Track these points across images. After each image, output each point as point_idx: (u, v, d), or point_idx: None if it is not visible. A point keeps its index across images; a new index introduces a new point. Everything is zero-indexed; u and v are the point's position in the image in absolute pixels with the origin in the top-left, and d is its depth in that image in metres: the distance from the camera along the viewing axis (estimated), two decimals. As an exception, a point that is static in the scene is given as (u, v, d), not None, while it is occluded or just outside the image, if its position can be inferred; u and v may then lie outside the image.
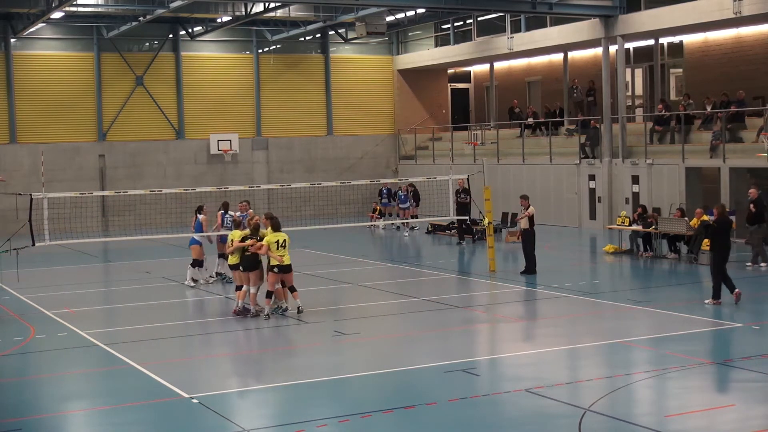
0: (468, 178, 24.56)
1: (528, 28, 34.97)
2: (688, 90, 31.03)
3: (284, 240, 16.72)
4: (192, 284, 20.65)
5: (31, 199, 20.27)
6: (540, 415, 11.02)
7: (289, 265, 16.76)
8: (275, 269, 16.61)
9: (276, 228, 16.86)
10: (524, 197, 22.74)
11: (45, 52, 36.26)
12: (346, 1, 31.71)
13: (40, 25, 34.02)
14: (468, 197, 29.40)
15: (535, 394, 11.67)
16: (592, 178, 31.76)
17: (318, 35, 40.20)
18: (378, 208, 34.93)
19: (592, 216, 31.77)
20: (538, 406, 11.31)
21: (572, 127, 34.07)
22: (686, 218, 23.47)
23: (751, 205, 22.06)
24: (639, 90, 34.54)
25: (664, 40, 32.65)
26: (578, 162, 32.23)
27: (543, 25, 34.44)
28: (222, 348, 15.17)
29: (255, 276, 16.94)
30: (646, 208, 25.45)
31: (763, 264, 21.63)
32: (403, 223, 32.54)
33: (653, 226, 24.03)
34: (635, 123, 32.35)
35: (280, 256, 16.51)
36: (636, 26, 29.98)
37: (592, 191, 31.76)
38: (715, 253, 17.66)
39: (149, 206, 31.28)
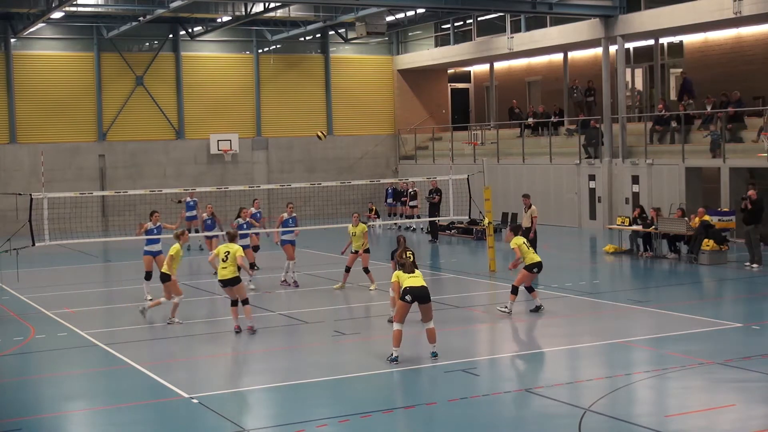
0: (468, 178, 24.55)
1: (528, 28, 34.97)
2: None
3: (226, 252, 15.71)
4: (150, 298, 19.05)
5: (31, 199, 20.26)
6: (540, 415, 11.02)
7: (235, 278, 15.67)
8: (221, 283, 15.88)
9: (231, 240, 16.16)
10: (526, 196, 23.30)
11: (45, 52, 36.27)
12: (346, 1, 31.71)
13: (40, 25, 34.03)
14: (438, 197, 29.70)
15: (535, 394, 11.67)
16: (592, 178, 31.77)
17: (318, 35, 40.20)
18: (374, 208, 34.95)
19: (592, 216, 31.77)
20: (538, 406, 11.31)
21: (572, 127, 34.07)
22: (686, 218, 23.48)
23: (746, 203, 22.00)
24: (639, 86, 34.53)
25: (664, 40, 32.65)
26: (578, 162, 32.23)
27: (543, 25, 34.44)
28: (222, 348, 15.17)
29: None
30: (644, 209, 25.45)
31: (755, 265, 21.62)
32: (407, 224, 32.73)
33: (653, 226, 24.04)
34: (635, 123, 32.34)
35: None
36: (636, 26, 29.98)
37: (592, 191, 31.77)
38: None
39: (149, 206, 31.19)
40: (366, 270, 19.84)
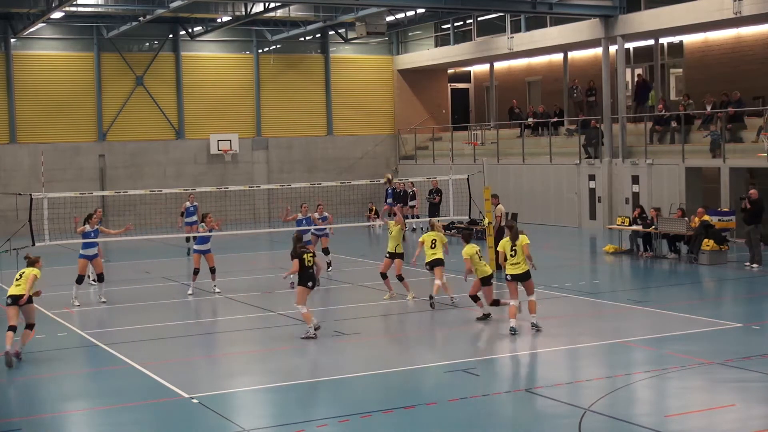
0: (468, 178, 24.53)
1: (528, 28, 34.97)
2: (688, 90, 31.04)
3: (21, 272, 14.43)
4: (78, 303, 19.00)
5: (31, 199, 20.27)
6: (540, 415, 11.02)
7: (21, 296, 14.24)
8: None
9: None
10: (494, 196, 22.85)
11: (45, 52, 36.27)
12: (346, 1, 31.72)
13: (40, 25, 34.03)
14: (438, 197, 29.73)
15: (535, 394, 11.67)
16: (592, 178, 31.76)
17: (318, 35, 40.21)
18: (374, 208, 34.96)
19: (592, 216, 31.76)
20: (538, 406, 11.31)
21: (572, 127, 34.07)
22: (686, 218, 23.47)
23: (745, 203, 22.02)
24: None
25: (664, 40, 32.65)
26: (578, 162, 32.23)
27: (543, 25, 34.45)
28: (222, 348, 15.16)
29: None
30: (644, 209, 25.45)
31: (755, 265, 21.60)
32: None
33: (653, 226, 24.03)
34: (635, 123, 32.32)
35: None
36: (636, 26, 29.99)
37: (592, 191, 31.76)
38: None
39: (149, 206, 31.29)
40: (400, 278, 18.47)
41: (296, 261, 14.99)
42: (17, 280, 14.64)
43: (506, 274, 15.26)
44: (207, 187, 31.73)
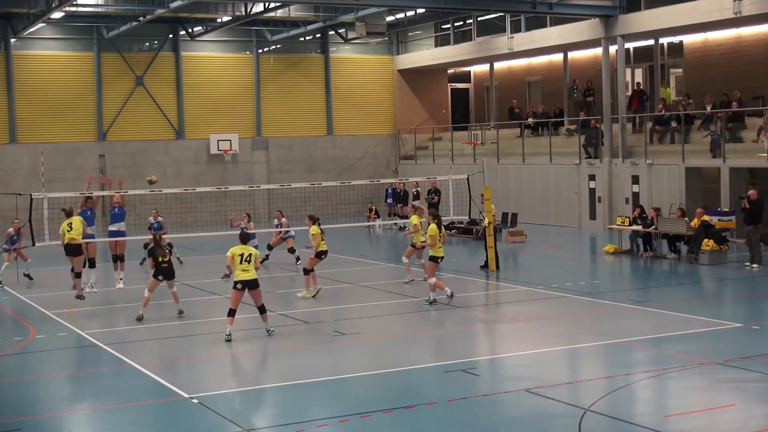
0: (468, 178, 24.56)
1: (528, 28, 34.97)
2: (688, 90, 31.04)
3: (249, 254, 15.35)
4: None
5: (31, 199, 20.28)
6: (540, 415, 11.01)
7: (255, 280, 15.47)
8: (239, 285, 15.34)
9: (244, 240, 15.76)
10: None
11: (45, 52, 36.28)
12: (346, 1, 31.72)
13: (40, 25, 34.05)
14: (437, 197, 29.82)
15: (535, 394, 11.66)
16: (592, 178, 31.77)
17: (318, 35, 40.22)
18: (374, 208, 34.97)
19: (592, 216, 31.77)
20: (538, 406, 11.31)
21: (572, 127, 34.07)
22: (686, 218, 23.47)
23: (744, 202, 22.03)
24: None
25: (664, 40, 32.65)
26: (578, 162, 32.23)
27: (543, 25, 34.45)
28: (222, 348, 15.16)
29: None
30: (644, 209, 25.44)
31: (755, 265, 21.60)
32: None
33: (653, 226, 24.03)
34: (635, 123, 32.31)
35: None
36: (636, 26, 29.99)
37: (592, 191, 31.77)
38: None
39: (149, 206, 31.23)
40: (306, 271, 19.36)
41: (150, 259, 17.60)
42: (68, 228, 18.32)
43: (438, 257, 17.84)
44: (207, 187, 31.75)
